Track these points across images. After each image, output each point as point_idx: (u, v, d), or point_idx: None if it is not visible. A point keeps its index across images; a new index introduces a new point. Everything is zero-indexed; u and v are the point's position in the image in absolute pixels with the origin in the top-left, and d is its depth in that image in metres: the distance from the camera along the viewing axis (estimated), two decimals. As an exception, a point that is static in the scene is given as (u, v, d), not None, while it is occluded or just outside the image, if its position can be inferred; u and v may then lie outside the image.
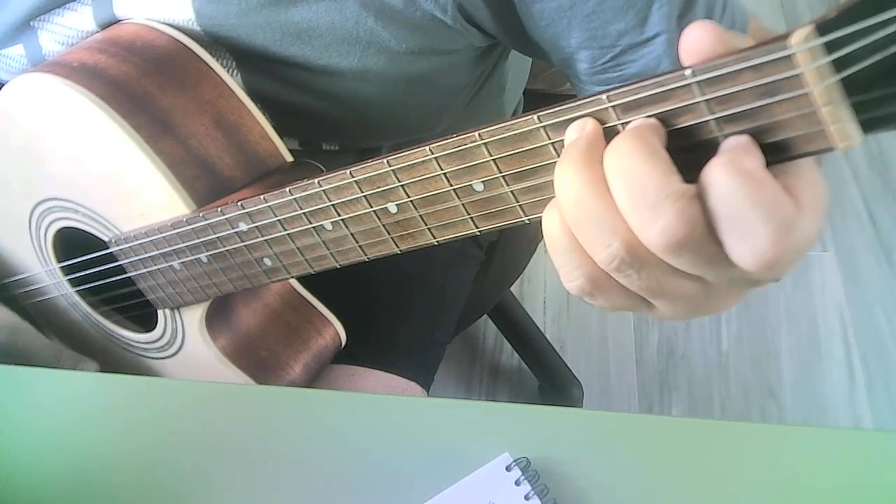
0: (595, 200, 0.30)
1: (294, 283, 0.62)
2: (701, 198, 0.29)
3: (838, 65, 0.26)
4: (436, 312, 0.82)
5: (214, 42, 0.56)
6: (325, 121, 0.61)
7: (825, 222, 1.54)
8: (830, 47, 0.26)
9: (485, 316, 1.20)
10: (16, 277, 0.70)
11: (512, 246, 0.98)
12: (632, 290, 0.32)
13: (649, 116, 0.30)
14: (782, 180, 0.29)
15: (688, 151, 0.30)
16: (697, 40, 0.29)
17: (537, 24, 0.52)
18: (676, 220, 0.28)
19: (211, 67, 0.55)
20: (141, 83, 0.53)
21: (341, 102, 0.59)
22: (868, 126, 0.27)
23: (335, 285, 0.62)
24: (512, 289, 1.16)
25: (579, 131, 0.32)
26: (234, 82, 0.56)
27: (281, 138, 0.57)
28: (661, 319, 0.37)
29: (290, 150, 0.57)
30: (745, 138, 0.29)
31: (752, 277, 0.30)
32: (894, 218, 1.52)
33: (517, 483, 0.46)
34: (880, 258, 1.47)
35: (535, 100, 0.86)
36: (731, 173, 0.28)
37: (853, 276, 1.45)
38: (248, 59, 0.57)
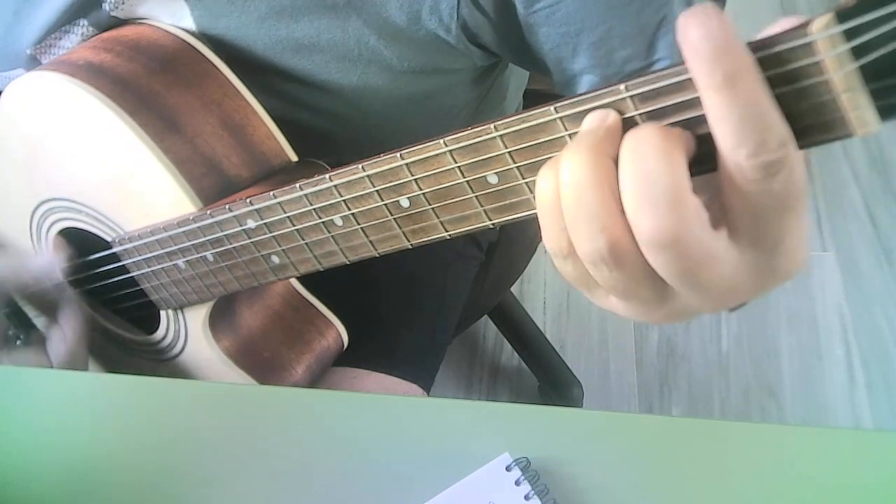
0: (593, 194, 0.30)
1: (296, 284, 0.62)
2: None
3: (857, 52, 0.26)
4: (436, 314, 0.82)
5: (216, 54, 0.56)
6: (324, 137, 0.61)
7: (816, 228, 1.53)
8: (850, 34, 0.26)
9: (485, 316, 1.20)
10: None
11: (512, 246, 0.98)
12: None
13: (668, 107, 0.30)
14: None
15: (702, 142, 0.30)
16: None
17: (541, 48, 0.51)
18: (676, 223, 0.29)
19: (216, 67, 0.55)
20: (148, 82, 0.53)
21: (341, 119, 0.59)
22: (885, 112, 0.27)
23: (337, 287, 0.62)
24: (512, 289, 1.16)
25: (600, 121, 0.32)
26: (239, 82, 0.55)
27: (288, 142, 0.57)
28: (606, 308, 0.38)
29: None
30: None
31: (711, 304, 0.32)
32: (894, 218, 1.52)
33: (517, 483, 0.46)
34: (880, 258, 1.47)
35: (534, 99, 0.86)
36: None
37: (853, 276, 1.45)
38: (247, 72, 0.56)
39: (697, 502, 0.46)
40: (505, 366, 1.42)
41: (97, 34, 0.58)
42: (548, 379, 1.35)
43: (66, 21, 0.58)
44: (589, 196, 0.30)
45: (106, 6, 0.56)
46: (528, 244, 1.03)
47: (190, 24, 0.55)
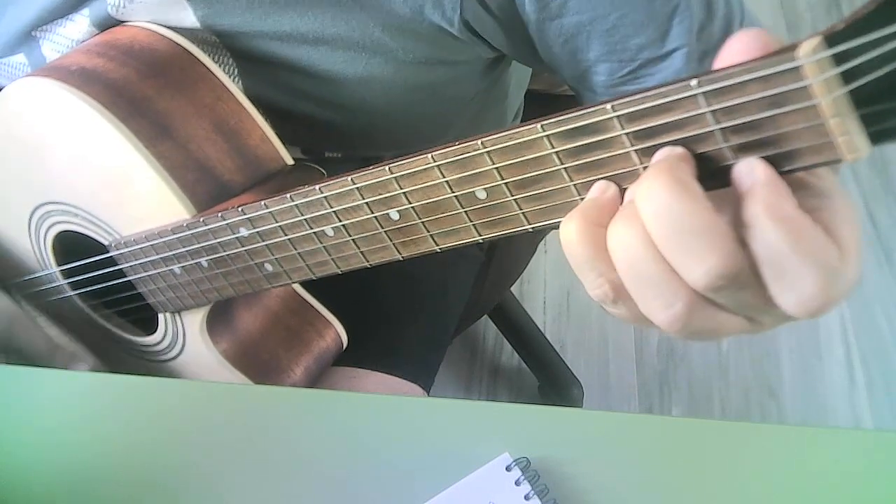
0: (653, 264, 0.29)
1: (295, 285, 0.62)
2: (742, 239, 0.28)
3: (846, 77, 0.26)
4: (436, 314, 0.82)
5: (218, 47, 0.56)
6: (327, 129, 0.61)
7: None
8: (839, 59, 0.25)
9: (485, 316, 1.20)
10: (23, 278, 0.70)
11: (512, 246, 0.98)
12: None
13: (657, 126, 0.30)
14: (819, 218, 0.28)
15: (702, 161, 0.30)
16: (739, 52, 0.28)
17: (554, 42, 0.51)
18: (723, 260, 0.28)
19: (210, 70, 0.55)
20: (140, 87, 0.53)
21: (345, 111, 0.59)
22: (876, 138, 0.27)
23: (336, 287, 0.62)
24: (512, 289, 1.16)
25: (601, 193, 0.32)
26: (233, 85, 0.55)
27: (283, 146, 0.57)
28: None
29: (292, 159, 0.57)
30: (769, 174, 0.28)
31: (792, 318, 0.30)
32: (894, 218, 1.52)
33: (517, 483, 0.46)
34: (880, 258, 1.47)
35: (535, 100, 0.86)
36: (773, 220, 0.27)
37: (853, 276, 1.45)
38: (251, 64, 0.56)
39: (697, 502, 0.46)
40: (505, 366, 1.42)
41: (95, 32, 0.58)
42: (548, 379, 1.35)
43: (66, 10, 0.58)
44: (648, 267, 0.29)
45: (109, 9, 0.56)
46: (529, 244, 1.03)
47: (193, 20, 0.55)
